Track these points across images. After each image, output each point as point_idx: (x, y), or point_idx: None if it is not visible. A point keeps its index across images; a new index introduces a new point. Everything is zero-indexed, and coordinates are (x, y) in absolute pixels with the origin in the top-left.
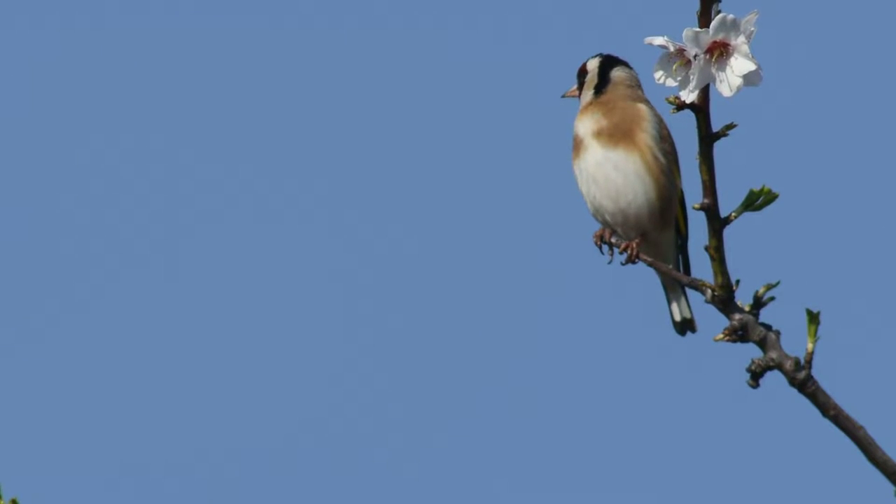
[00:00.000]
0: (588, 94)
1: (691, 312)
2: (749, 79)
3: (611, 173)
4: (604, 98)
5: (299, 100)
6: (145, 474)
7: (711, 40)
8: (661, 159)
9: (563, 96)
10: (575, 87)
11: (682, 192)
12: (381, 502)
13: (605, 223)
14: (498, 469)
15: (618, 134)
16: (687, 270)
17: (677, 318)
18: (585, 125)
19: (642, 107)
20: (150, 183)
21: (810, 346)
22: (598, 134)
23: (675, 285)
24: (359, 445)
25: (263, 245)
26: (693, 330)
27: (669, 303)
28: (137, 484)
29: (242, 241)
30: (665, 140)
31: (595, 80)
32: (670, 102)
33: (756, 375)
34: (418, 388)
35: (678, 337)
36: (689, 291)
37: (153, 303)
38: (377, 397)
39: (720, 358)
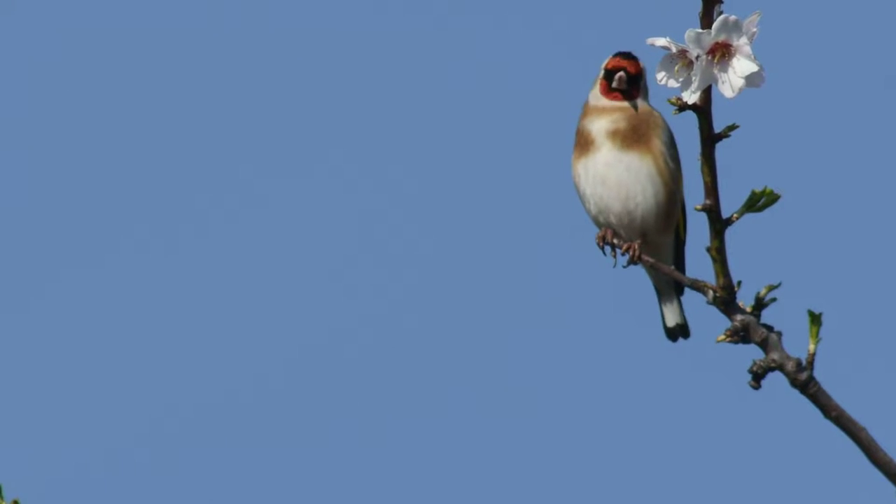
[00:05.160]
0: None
1: (685, 318)
2: (751, 80)
3: (622, 175)
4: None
5: (303, 96)
6: (145, 473)
7: (713, 41)
8: (671, 164)
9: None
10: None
11: (682, 196)
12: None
13: (607, 224)
14: (498, 473)
15: (634, 136)
16: (682, 273)
17: (670, 323)
18: (600, 125)
19: (657, 113)
20: (150, 175)
21: (812, 347)
22: (614, 135)
23: (669, 290)
24: (356, 446)
25: (262, 242)
26: (686, 336)
27: (662, 308)
28: (138, 483)
29: (240, 236)
30: (673, 146)
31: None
32: (672, 104)
33: (758, 376)
34: (416, 389)
35: (670, 343)
36: (684, 297)
37: (150, 297)
38: (376, 398)
39: (722, 359)
